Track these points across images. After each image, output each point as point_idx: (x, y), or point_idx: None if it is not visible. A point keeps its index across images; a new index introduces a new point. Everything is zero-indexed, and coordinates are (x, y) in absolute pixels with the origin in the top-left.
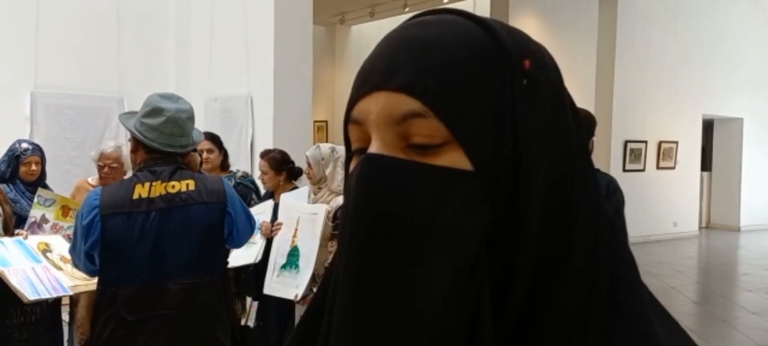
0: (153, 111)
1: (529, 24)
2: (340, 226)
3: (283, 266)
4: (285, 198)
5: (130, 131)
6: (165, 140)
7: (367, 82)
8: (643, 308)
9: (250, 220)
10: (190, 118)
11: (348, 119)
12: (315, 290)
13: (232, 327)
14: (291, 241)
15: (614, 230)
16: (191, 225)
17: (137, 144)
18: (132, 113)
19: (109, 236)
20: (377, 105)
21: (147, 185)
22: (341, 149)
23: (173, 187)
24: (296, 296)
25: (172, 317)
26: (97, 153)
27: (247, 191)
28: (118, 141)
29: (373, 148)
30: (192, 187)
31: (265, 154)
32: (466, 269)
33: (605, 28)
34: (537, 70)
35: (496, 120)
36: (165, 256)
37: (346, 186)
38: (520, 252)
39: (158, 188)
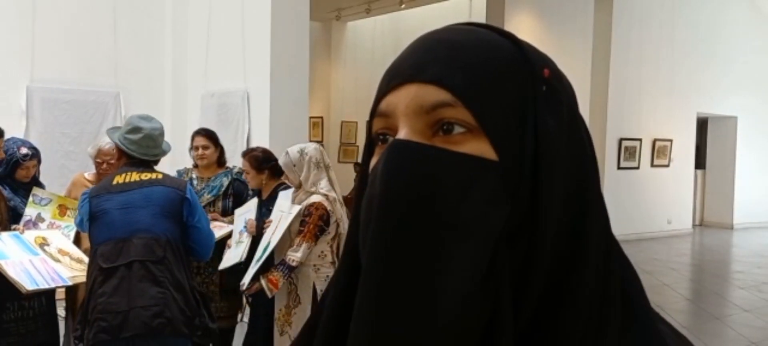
0: (133, 129)
1: (524, 22)
2: (362, 210)
3: (257, 260)
4: (280, 196)
5: (116, 143)
6: (142, 151)
7: (396, 77)
8: (654, 319)
9: (210, 232)
10: (161, 134)
11: (373, 115)
12: (272, 276)
13: (190, 288)
14: (269, 237)
15: (618, 245)
16: (154, 198)
17: (121, 153)
18: (116, 129)
19: (93, 210)
20: (407, 95)
21: (123, 175)
22: (310, 148)
23: (145, 176)
24: (243, 284)
25: (134, 263)
26: (95, 150)
27: (244, 188)
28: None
29: (401, 135)
30: (160, 177)
31: (246, 153)
32: (487, 257)
33: (600, 27)
34: (555, 80)
35: (519, 119)
36: (133, 220)
37: (371, 175)
38: (538, 249)
39: (133, 176)
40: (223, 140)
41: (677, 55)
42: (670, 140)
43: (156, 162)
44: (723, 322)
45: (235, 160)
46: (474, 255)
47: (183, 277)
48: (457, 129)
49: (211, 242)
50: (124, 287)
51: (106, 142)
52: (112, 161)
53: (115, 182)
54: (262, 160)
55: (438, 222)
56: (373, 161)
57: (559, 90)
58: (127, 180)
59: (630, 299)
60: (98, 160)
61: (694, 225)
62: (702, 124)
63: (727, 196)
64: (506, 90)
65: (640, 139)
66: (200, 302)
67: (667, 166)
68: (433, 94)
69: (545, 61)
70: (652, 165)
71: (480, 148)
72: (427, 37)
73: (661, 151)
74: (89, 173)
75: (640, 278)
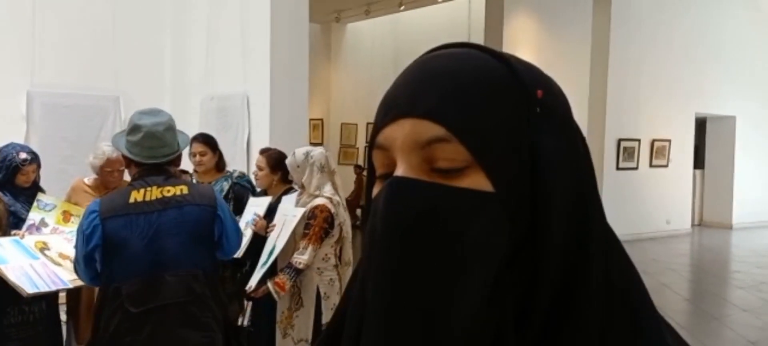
0: (133, 129)
1: (523, 23)
2: (365, 242)
3: (263, 264)
4: (283, 200)
5: (120, 150)
6: (147, 154)
7: (391, 111)
8: (661, 329)
9: (238, 233)
10: (169, 128)
11: (372, 146)
12: (279, 279)
13: (224, 323)
14: (274, 241)
15: (624, 252)
16: (184, 222)
17: (128, 160)
18: (123, 133)
19: (109, 236)
20: (403, 131)
21: (142, 190)
22: (316, 153)
23: (168, 191)
24: (249, 287)
25: (171, 306)
26: (102, 159)
27: (244, 191)
28: None
29: (399, 171)
30: (186, 191)
31: (264, 151)
32: (489, 286)
33: (599, 27)
34: (549, 99)
35: (514, 144)
36: (162, 251)
37: (372, 208)
38: (542, 268)
39: (154, 192)
40: (223, 144)
41: (675, 55)
42: (669, 141)
43: (172, 163)
44: (722, 322)
45: (235, 164)
46: (476, 284)
47: (220, 310)
48: (453, 164)
49: (239, 241)
50: (162, 336)
51: (111, 149)
52: (122, 168)
53: (132, 200)
54: (278, 160)
55: (439, 256)
56: (374, 190)
57: (553, 107)
58: (147, 198)
59: (634, 310)
60: (108, 169)
61: (693, 225)
62: (700, 125)
63: (725, 196)
64: (501, 119)
65: (638, 140)
66: (231, 335)
67: (666, 166)
68: (427, 129)
69: (538, 81)
70: (651, 165)
71: (477, 180)
72: (420, 65)
73: (659, 151)
74: (89, 179)
75: (642, 280)
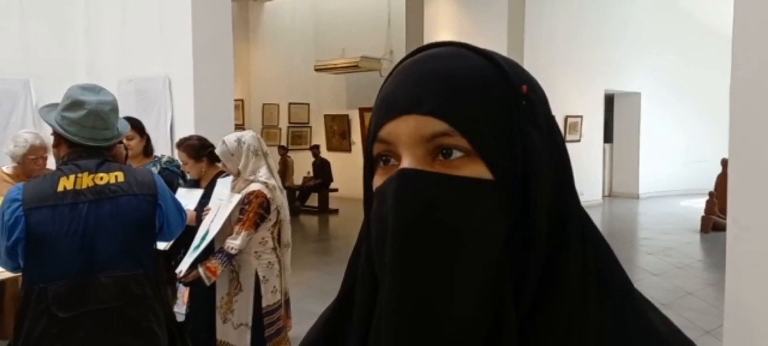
0: (73, 104)
1: (443, 4)
2: (373, 228)
3: (195, 248)
4: (218, 184)
5: (51, 126)
6: (87, 134)
7: (394, 109)
8: (635, 296)
9: (181, 213)
10: (114, 109)
11: (373, 139)
12: (210, 264)
13: (167, 321)
14: (207, 226)
15: (595, 228)
16: (121, 217)
17: (59, 139)
18: (52, 106)
19: (34, 230)
20: (408, 127)
21: (72, 177)
22: (248, 137)
23: (102, 179)
24: (179, 272)
25: (107, 310)
26: (25, 147)
27: (173, 177)
28: (26, 126)
29: (406, 163)
30: (121, 179)
31: (181, 144)
32: (493, 264)
33: (514, 10)
34: (532, 93)
35: (507, 137)
36: (95, 248)
37: (381, 197)
38: (532, 251)
39: (85, 180)
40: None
41: (586, 34)
42: (581, 116)
43: (109, 148)
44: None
45: (159, 149)
46: (480, 264)
47: (163, 311)
48: (456, 153)
49: (183, 223)
50: (96, 344)
51: (31, 136)
52: (46, 155)
53: (61, 188)
54: (199, 149)
55: (446, 239)
56: (376, 180)
57: (536, 101)
58: (77, 186)
59: (605, 278)
60: (31, 156)
61: (603, 196)
62: (609, 100)
63: (632, 167)
64: (494, 113)
65: (553, 117)
66: (176, 335)
67: (579, 141)
68: (431, 125)
69: (522, 77)
70: (565, 140)
71: (477, 169)
72: (416, 66)
73: (572, 126)
74: (8, 167)
75: (613, 251)
